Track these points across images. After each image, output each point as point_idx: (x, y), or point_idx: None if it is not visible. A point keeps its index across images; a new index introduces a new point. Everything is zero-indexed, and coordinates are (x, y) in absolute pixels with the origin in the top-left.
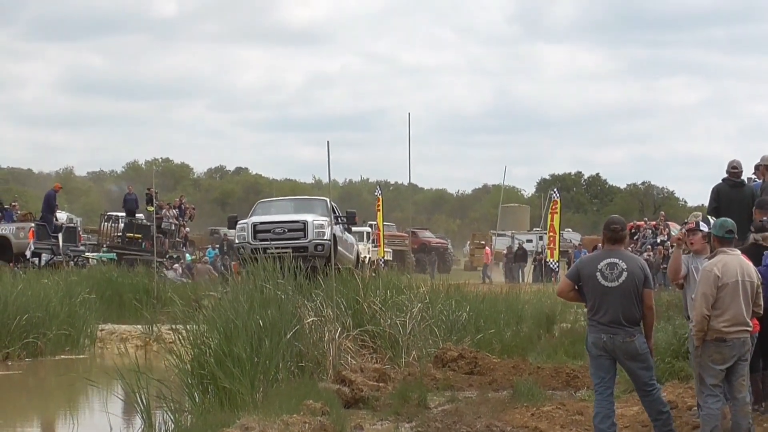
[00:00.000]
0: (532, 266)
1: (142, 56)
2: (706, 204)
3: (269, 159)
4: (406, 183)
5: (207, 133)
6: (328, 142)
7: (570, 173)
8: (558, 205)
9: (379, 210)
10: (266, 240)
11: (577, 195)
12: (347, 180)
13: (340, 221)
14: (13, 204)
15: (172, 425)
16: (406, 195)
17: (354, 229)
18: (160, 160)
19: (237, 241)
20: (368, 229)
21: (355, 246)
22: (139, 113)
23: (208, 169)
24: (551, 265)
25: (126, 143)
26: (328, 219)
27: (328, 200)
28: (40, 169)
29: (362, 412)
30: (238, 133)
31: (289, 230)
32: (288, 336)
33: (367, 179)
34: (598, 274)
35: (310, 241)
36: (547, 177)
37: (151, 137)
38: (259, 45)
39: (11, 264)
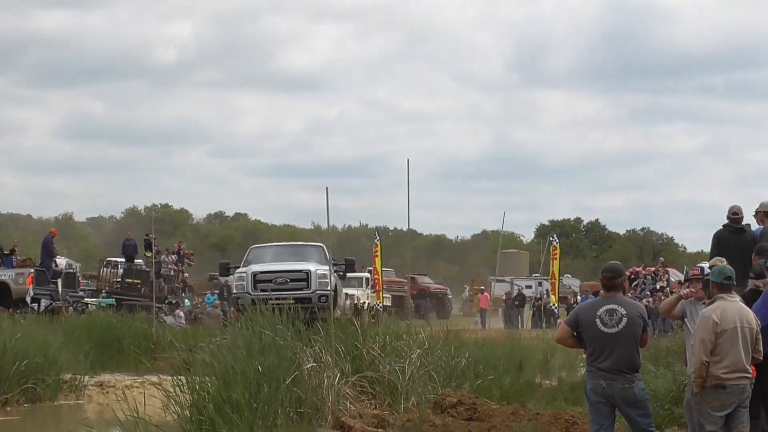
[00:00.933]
0: (531, 312)
1: (142, 102)
2: (706, 250)
3: (268, 205)
4: (405, 229)
5: (206, 179)
6: (326, 188)
7: (569, 219)
8: (557, 251)
9: (376, 255)
10: (267, 290)
11: (576, 241)
12: (346, 226)
13: (336, 269)
14: (14, 250)
15: None
16: (405, 241)
17: (353, 274)
18: (159, 205)
19: (235, 291)
20: (367, 274)
21: (343, 292)
22: (138, 159)
23: (208, 214)
24: (552, 308)
25: (125, 189)
26: (329, 268)
27: (324, 246)
28: (39, 214)
29: None
30: (237, 179)
31: (291, 280)
32: (287, 382)
33: (366, 225)
34: (597, 320)
35: (313, 292)
36: (546, 223)
37: (150, 183)
38: (258, 92)
39: (10, 310)
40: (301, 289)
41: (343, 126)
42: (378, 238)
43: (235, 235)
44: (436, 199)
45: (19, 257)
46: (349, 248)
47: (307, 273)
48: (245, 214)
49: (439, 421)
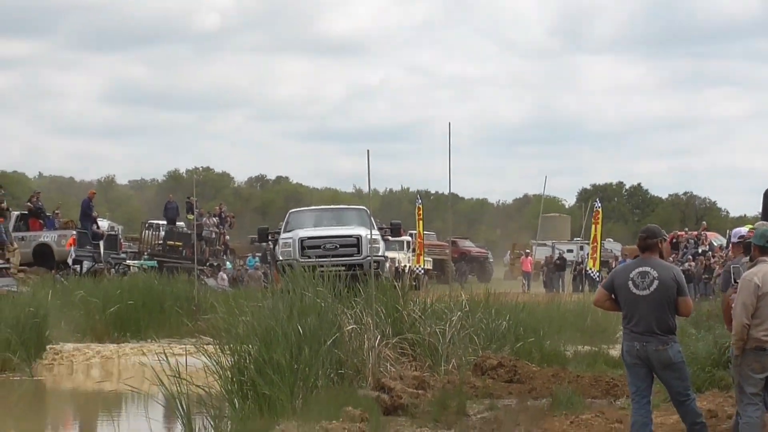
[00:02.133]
0: (572, 276)
1: (184, 67)
2: (750, 214)
3: (310, 169)
4: (446, 193)
5: (247, 143)
6: (368, 151)
7: (611, 183)
8: (600, 215)
9: (420, 219)
10: (316, 256)
11: (619, 205)
12: (387, 189)
13: (382, 233)
14: (56, 212)
15: (212, 431)
16: (447, 205)
17: (394, 238)
18: (200, 169)
19: (281, 258)
20: (408, 238)
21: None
22: (180, 123)
23: (249, 178)
24: (592, 275)
25: (167, 152)
26: (378, 232)
27: (366, 209)
28: (81, 178)
29: (401, 419)
30: (279, 144)
31: (342, 246)
32: (327, 343)
33: (408, 189)
34: (629, 283)
35: (365, 258)
36: (588, 187)
37: (192, 147)
38: (300, 56)
39: (53, 271)
40: (351, 255)
41: (385, 91)
42: (420, 201)
43: (276, 199)
44: (477, 163)
45: (61, 220)
46: (391, 212)
47: (358, 238)
48: (286, 178)
49: (479, 382)
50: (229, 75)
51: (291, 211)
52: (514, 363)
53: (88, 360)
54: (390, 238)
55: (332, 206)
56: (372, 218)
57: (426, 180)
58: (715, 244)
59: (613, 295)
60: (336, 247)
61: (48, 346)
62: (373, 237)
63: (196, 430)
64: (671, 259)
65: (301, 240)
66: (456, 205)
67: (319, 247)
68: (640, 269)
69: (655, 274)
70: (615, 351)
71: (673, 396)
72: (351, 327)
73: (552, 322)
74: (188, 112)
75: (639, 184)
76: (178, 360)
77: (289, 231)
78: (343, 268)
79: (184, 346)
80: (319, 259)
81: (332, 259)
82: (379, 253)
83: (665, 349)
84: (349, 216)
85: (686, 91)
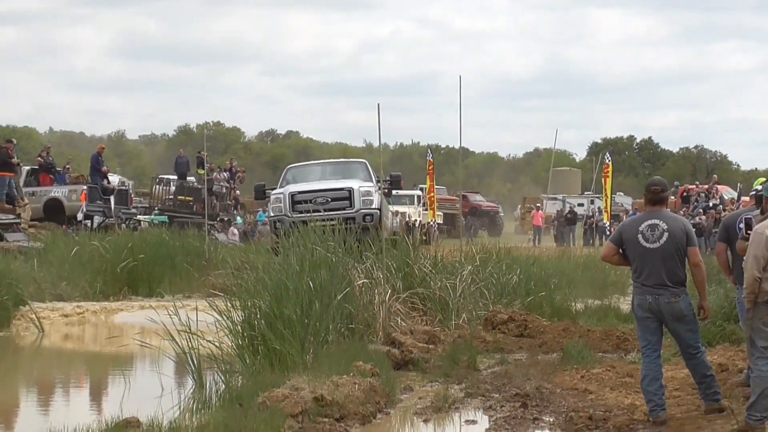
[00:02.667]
0: (583, 230)
1: (194, 21)
2: (761, 167)
3: (320, 123)
4: (457, 147)
5: (258, 97)
6: (378, 104)
7: (622, 137)
8: (610, 169)
9: (431, 172)
10: (307, 211)
11: (629, 159)
12: (398, 144)
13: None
14: (67, 167)
15: (223, 386)
16: (457, 159)
17: (404, 192)
18: (211, 123)
19: (272, 214)
20: (419, 192)
21: (389, 210)
22: (190, 78)
23: (259, 132)
24: (607, 228)
25: (177, 107)
26: (373, 185)
27: (366, 162)
28: (92, 132)
29: (412, 374)
30: (289, 98)
31: (333, 199)
32: (338, 298)
33: (418, 143)
34: (639, 236)
35: (357, 211)
36: (599, 141)
37: (202, 101)
38: (310, 10)
39: (64, 226)
40: (343, 209)
41: (395, 44)
42: (431, 155)
43: (287, 153)
44: (488, 117)
45: (72, 174)
46: (401, 166)
47: (350, 191)
48: (297, 132)
49: (490, 337)
50: (239, 29)
51: (289, 166)
52: (524, 317)
53: (95, 315)
54: (395, 191)
55: (330, 160)
56: (371, 171)
57: (436, 134)
58: (726, 197)
59: (621, 250)
60: (327, 200)
61: (53, 303)
62: (366, 189)
63: (207, 385)
64: (682, 212)
65: (291, 195)
66: (466, 159)
67: (309, 201)
68: (650, 222)
69: (664, 226)
70: (625, 305)
71: (684, 349)
72: (362, 281)
73: (562, 276)
74: (198, 66)
75: (650, 138)
76: (189, 315)
77: (283, 186)
78: (336, 222)
79: (194, 302)
80: (310, 214)
81: (323, 213)
82: (373, 206)
83: (677, 301)
84: (349, 169)
85: (697, 43)
